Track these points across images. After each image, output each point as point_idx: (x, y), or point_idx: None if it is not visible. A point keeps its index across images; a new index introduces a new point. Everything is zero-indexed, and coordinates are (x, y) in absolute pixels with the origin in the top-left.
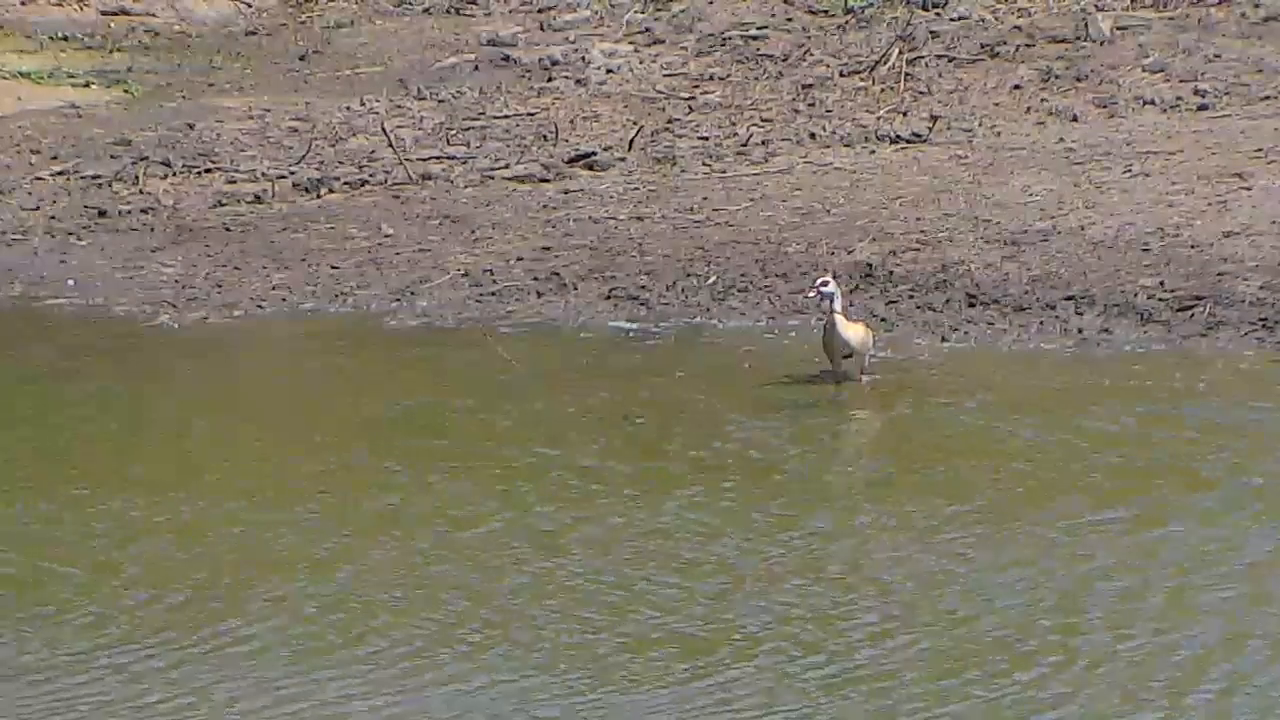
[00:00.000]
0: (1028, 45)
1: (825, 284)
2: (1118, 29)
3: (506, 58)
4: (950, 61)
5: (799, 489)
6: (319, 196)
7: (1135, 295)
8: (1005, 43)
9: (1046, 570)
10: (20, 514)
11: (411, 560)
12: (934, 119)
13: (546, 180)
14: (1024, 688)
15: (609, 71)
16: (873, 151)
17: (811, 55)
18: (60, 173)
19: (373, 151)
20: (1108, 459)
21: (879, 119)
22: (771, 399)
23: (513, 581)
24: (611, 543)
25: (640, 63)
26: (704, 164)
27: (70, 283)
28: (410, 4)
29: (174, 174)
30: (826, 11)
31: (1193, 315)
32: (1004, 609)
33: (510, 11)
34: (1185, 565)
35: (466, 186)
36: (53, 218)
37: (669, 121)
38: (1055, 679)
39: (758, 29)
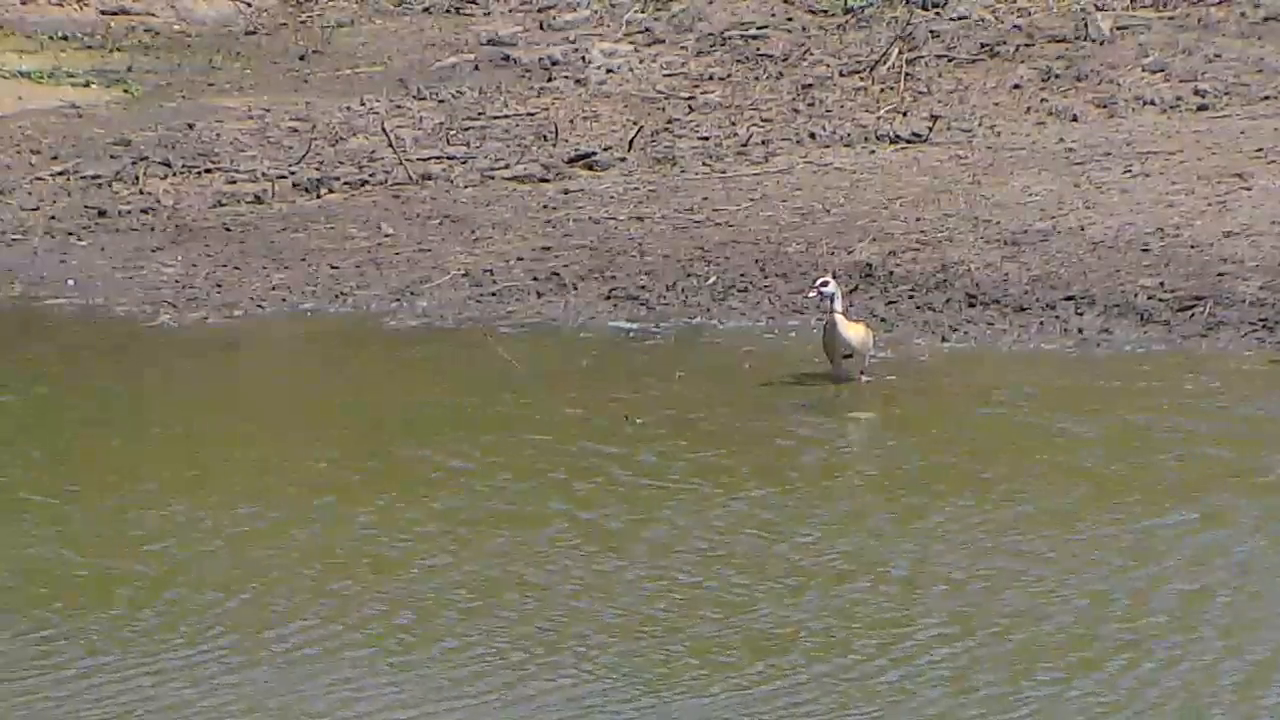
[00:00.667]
0: (1027, 45)
1: (825, 284)
2: (1118, 29)
3: (506, 58)
4: (950, 61)
5: (806, 489)
6: (319, 196)
7: (1135, 295)
8: (1005, 43)
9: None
10: (30, 517)
11: (456, 561)
12: (934, 119)
13: (546, 180)
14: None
15: (609, 71)
16: (873, 151)
17: (811, 55)
18: (60, 173)
19: (373, 151)
20: (1119, 456)
21: (879, 119)
22: (772, 399)
23: (558, 583)
24: (633, 544)
25: (640, 63)
26: (704, 164)
27: (70, 283)
28: (410, 4)
29: (174, 174)
30: (826, 11)
31: (1193, 315)
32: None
33: (510, 11)
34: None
35: (466, 186)
36: (53, 218)
37: (669, 121)
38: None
39: (758, 29)
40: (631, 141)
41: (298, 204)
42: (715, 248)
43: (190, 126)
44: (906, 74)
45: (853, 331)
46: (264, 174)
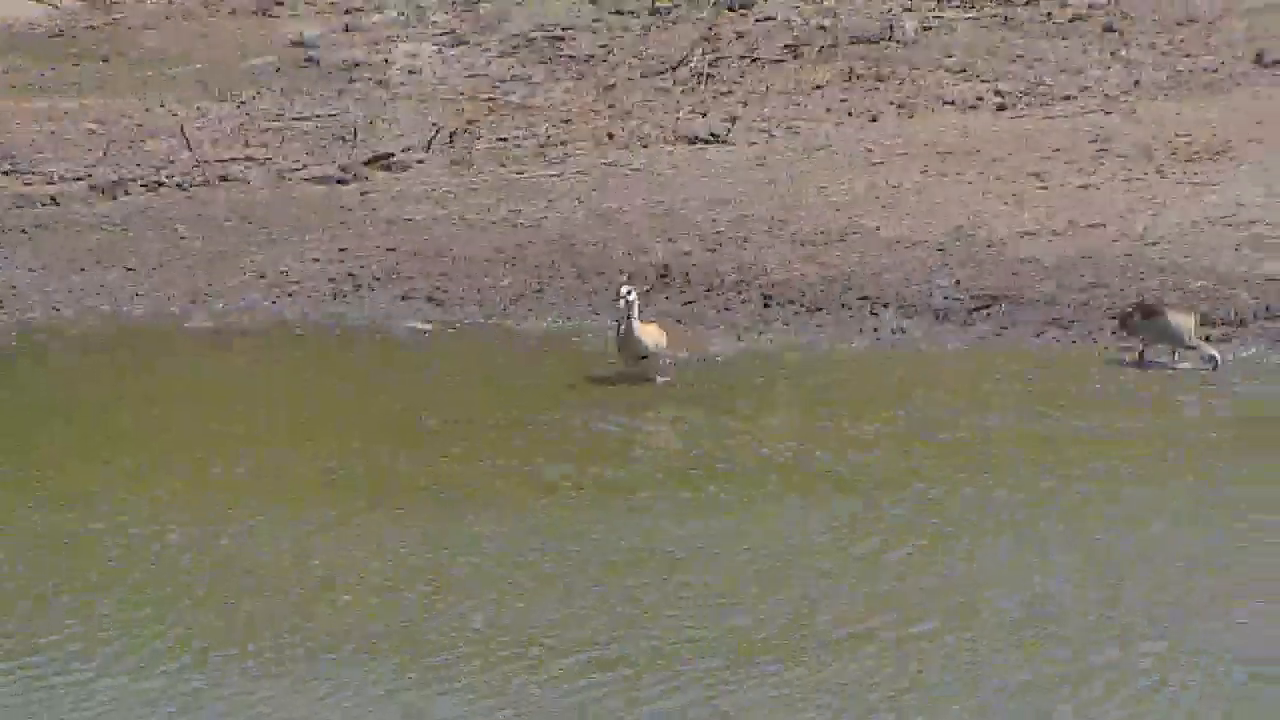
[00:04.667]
0: (832, 46)
1: (629, 292)
2: (924, 29)
3: (310, 59)
4: (753, 62)
5: (619, 487)
6: (116, 199)
7: (930, 295)
8: (809, 44)
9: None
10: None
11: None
12: (733, 119)
13: (344, 182)
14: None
15: (410, 73)
16: (671, 152)
17: (614, 56)
18: None
19: (171, 154)
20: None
21: (679, 119)
22: (568, 400)
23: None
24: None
25: (443, 63)
26: (501, 165)
27: None
28: (218, 6)
29: None
30: (633, 12)
31: (988, 314)
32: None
33: (317, 13)
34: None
35: (264, 188)
36: None
37: (469, 123)
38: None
39: (563, 29)
40: (430, 143)
41: (95, 206)
42: (513, 248)
43: None
44: (709, 75)
45: (647, 335)
46: (60, 176)
